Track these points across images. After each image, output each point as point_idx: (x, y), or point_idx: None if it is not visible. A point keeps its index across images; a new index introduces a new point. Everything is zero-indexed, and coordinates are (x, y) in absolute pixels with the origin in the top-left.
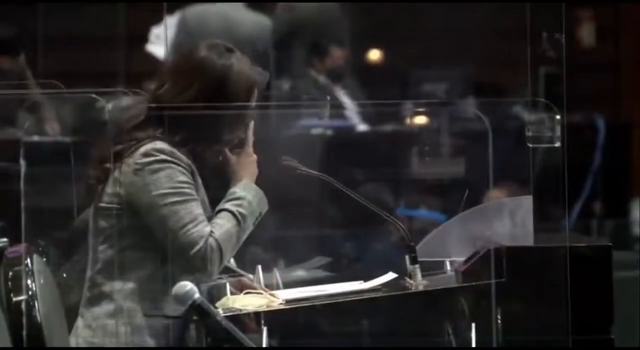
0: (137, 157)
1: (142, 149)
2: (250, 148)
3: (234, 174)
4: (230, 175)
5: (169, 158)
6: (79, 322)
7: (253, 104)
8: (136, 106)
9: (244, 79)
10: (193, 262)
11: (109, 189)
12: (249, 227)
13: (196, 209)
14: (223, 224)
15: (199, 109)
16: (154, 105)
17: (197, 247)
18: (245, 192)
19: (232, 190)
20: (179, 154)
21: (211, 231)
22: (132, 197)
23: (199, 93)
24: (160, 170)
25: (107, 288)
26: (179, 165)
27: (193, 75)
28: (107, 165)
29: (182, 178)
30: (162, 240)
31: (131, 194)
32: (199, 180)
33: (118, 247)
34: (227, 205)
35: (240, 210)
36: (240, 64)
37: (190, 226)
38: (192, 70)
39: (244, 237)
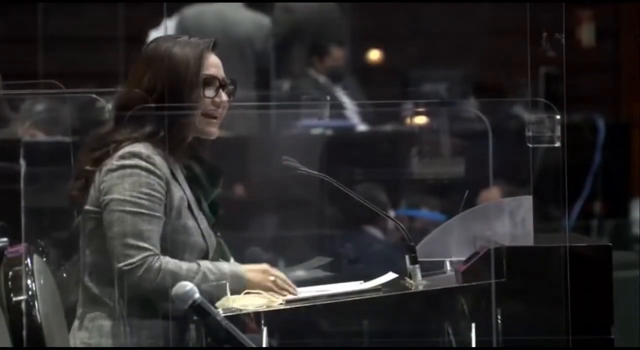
0: (114, 158)
1: (121, 151)
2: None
3: (249, 266)
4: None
5: (142, 164)
6: (76, 323)
7: (217, 72)
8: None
9: (189, 46)
10: (119, 274)
11: (92, 191)
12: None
13: (145, 225)
14: (180, 267)
15: (156, 96)
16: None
17: (128, 261)
18: (230, 275)
19: (224, 264)
20: (157, 159)
21: (161, 257)
22: (101, 195)
23: (152, 81)
24: (129, 175)
25: (96, 291)
26: (151, 173)
27: (145, 66)
28: (88, 168)
29: (146, 189)
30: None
31: (102, 192)
32: (180, 186)
33: (100, 250)
34: (204, 264)
35: (209, 276)
36: (184, 39)
37: (129, 239)
38: (143, 61)
39: (206, 289)
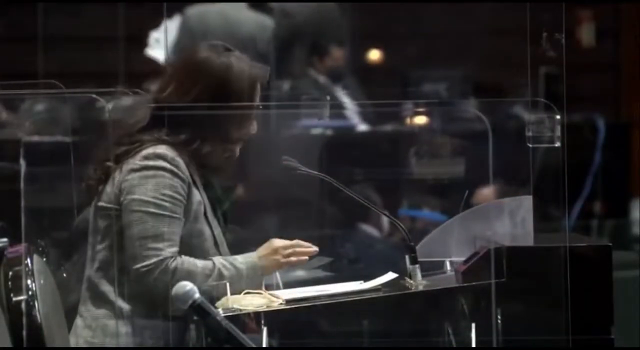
0: (137, 159)
1: (144, 152)
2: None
3: (259, 249)
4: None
5: (167, 166)
6: (78, 321)
7: (257, 102)
8: (141, 108)
9: (244, 76)
10: (134, 276)
11: (109, 188)
12: (221, 290)
13: (166, 227)
14: (195, 265)
15: (204, 109)
16: (158, 106)
17: (144, 263)
18: (245, 266)
19: (237, 256)
20: (180, 162)
21: (177, 257)
22: (123, 194)
23: (202, 94)
24: (152, 176)
25: (105, 287)
26: (175, 175)
27: (195, 77)
28: (109, 164)
29: (168, 191)
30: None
31: (123, 191)
32: (199, 191)
33: (115, 247)
34: (217, 260)
35: (224, 272)
36: (239, 61)
37: (149, 240)
38: (193, 72)
39: (208, 291)
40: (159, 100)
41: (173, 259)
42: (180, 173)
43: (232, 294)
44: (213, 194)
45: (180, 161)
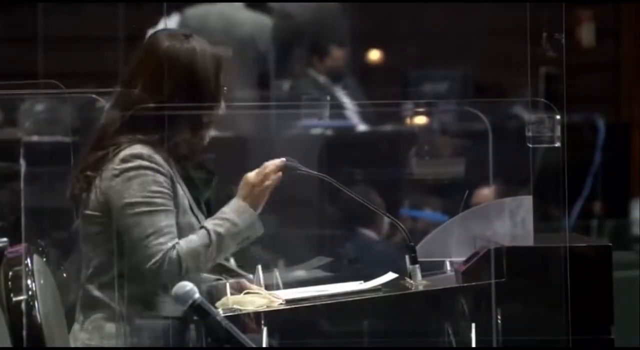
0: (115, 163)
1: (121, 154)
2: (268, 171)
3: (238, 193)
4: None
5: (145, 164)
6: (76, 325)
7: (224, 81)
8: (111, 109)
9: (209, 59)
10: (149, 275)
11: (92, 196)
12: (229, 248)
13: (163, 220)
14: (193, 241)
15: (176, 102)
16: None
17: (153, 260)
18: (234, 214)
19: (223, 208)
20: (158, 158)
21: (175, 244)
22: (109, 202)
23: (172, 85)
24: (134, 177)
25: (99, 293)
26: (156, 171)
27: (162, 70)
28: (89, 172)
29: (155, 187)
30: (127, 248)
31: (108, 199)
32: (180, 186)
33: (104, 254)
34: (208, 223)
35: (219, 230)
36: (201, 45)
37: (151, 238)
38: (160, 65)
39: (220, 256)
40: (130, 98)
41: (173, 247)
42: (160, 168)
43: (237, 245)
44: (194, 187)
45: (157, 157)
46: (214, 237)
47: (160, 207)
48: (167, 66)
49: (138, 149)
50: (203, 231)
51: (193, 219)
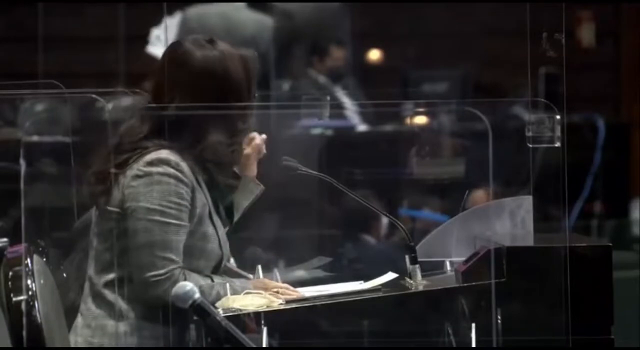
0: (141, 164)
1: (148, 157)
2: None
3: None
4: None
5: (171, 171)
6: (79, 320)
7: (254, 86)
8: (141, 113)
9: (237, 61)
10: (145, 284)
11: (115, 192)
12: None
13: (172, 235)
14: (199, 280)
15: (209, 108)
16: (158, 111)
17: (155, 272)
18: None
19: (235, 280)
20: (184, 166)
21: (184, 269)
22: (127, 200)
23: (204, 92)
24: (157, 183)
25: (105, 289)
26: (180, 181)
27: (194, 77)
28: (112, 170)
29: (174, 199)
30: (132, 250)
31: (127, 197)
32: (202, 193)
33: (116, 250)
34: (217, 281)
35: (221, 291)
36: (227, 48)
37: (157, 249)
38: (196, 73)
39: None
40: (164, 108)
41: (181, 270)
42: (184, 178)
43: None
44: (218, 192)
45: (184, 165)
46: (214, 293)
47: (174, 220)
48: (206, 75)
49: (165, 154)
50: (215, 286)
51: (210, 229)
